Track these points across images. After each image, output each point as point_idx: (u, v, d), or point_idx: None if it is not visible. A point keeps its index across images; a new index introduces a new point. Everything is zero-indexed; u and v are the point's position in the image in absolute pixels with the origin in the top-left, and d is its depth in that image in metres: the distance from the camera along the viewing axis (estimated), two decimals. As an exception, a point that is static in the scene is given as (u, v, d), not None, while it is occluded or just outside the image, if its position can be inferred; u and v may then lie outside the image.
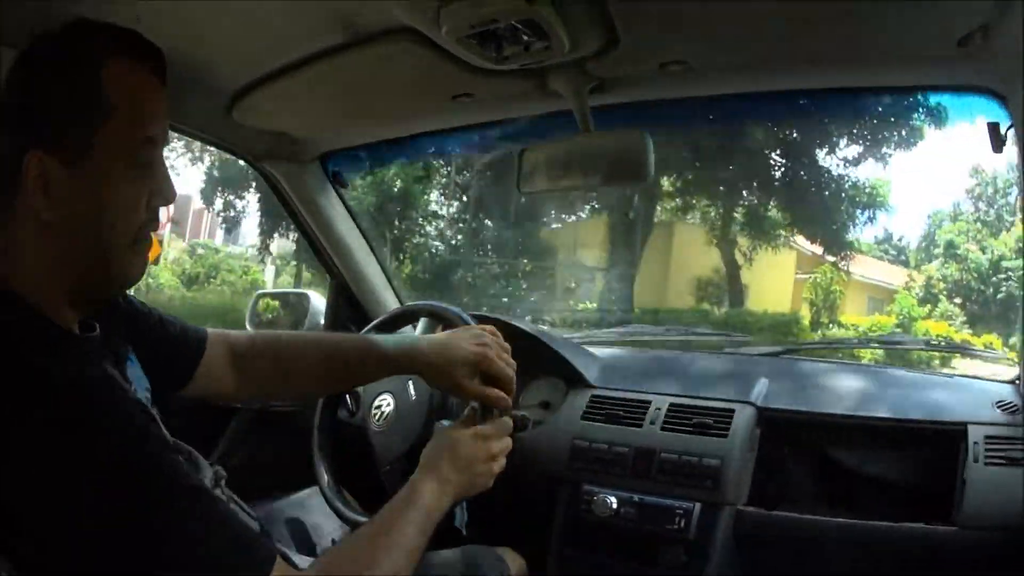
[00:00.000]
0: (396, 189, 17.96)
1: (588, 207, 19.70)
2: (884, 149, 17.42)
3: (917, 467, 1.85)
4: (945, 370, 2.22)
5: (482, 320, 1.70)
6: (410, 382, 1.80)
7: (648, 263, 18.86)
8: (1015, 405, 1.80)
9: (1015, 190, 20.60)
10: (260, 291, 2.78)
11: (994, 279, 19.71)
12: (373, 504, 1.51)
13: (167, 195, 1.09)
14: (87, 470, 0.86)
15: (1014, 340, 2.53)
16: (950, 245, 21.23)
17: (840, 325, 17.97)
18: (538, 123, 1.96)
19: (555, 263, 19.87)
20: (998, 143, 1.60)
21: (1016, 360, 1.93)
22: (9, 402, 0.87)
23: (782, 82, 1.80)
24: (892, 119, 16.19)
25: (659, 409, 1.93)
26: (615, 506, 1.83)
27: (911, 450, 1.85)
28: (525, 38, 1.43)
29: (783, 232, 18.34)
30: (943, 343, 2.59)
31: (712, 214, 18.94)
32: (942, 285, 20.67)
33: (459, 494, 1.30)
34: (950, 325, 18.61)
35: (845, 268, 18.77)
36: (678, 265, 19.52)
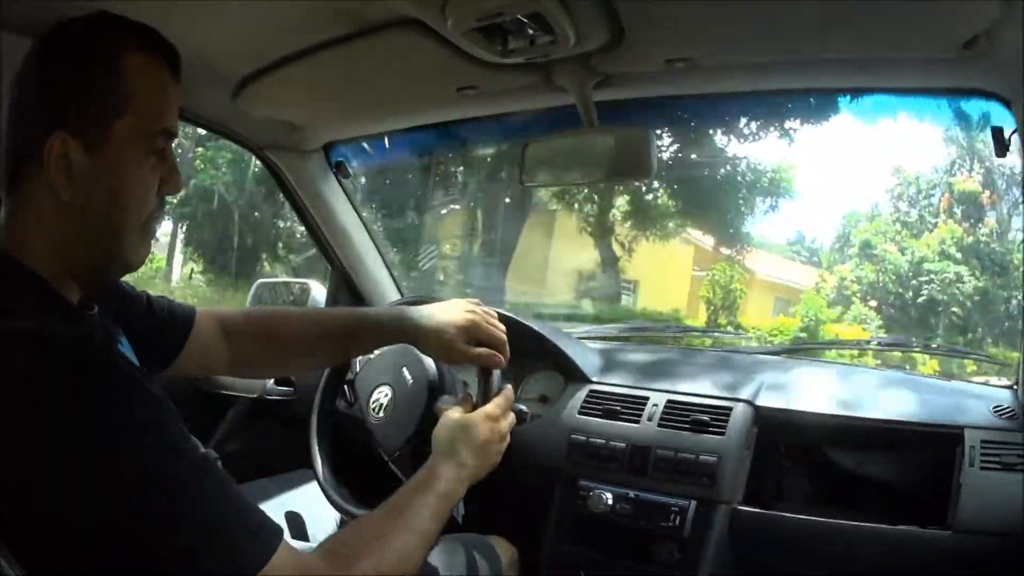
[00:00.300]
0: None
1: (462, 192, 18.05)
2: (787, 125, 15.86)
3: (913, 470, 1.86)
4: (943, 373, 2.22)
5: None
6: (405, 368, 1.80)
7: (525, 255, 17.17)
8: (1012, 410, 1.79)
9: (938, 191, 20.44)
10: (261, 280, 2.78)
11: (914, 282, 19.14)
12: (371, 495, 1.52)
13: (176, 185, 1.13)
14: (99, 433, 0.86)
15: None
16: (866, 245, 20.58)
17: (739, 328, 15.76)
18: (542, 117, 1.96)
19: (425, 252, 17.82)
20: (1002, 148, 1.60)
21: (1014, 365, 1.93)
22: (18, 365, 0.88)
23: (787, 81, 1.81)
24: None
25: (656, 405, 1.92)
26: (611, 502, 1.83)
27: (907, 453, 1.85)
28: (531, 32, 1.44)
29: (673, 222, 17.29)
30: (943, 347, 2.59)
31: (592, 202, 17.15)
32: (856, 287, 20.04)
33: (475, 477, 1.33)
34: (864, 329, 18.00)
35: (741, 263, 18.02)
36: (558, 257, 18.13)
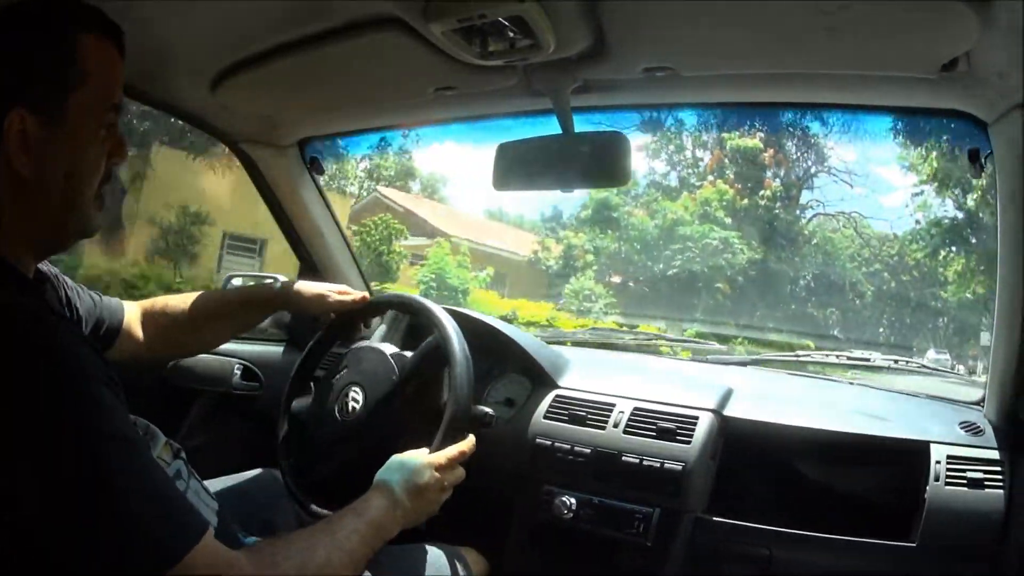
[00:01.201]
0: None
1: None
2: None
3: (879, 484, 1.88)
4: (912, 389, 2.24)
5: (452, 313, 1.74)
6: (376, 369, 1.78)
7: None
8: (979, 427, 1.82)
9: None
10: (230, 274, 2.77)
11: (666, 251, 18.11)
12: (335, 496, 1.51)
13: (124, 155, 1.19)
14: (24, 399, 0.88)
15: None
16: (603, 207, 19.37)
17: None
18: (519, 120, 1.96)
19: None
20: (978, 168, 1.62)
21: (982, 382, 1.95)
22: None
23: (767, 95, 1.82)
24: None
25: (623, 412, 1.92)
26: (575, 507, 1.83)
27: (874, 467, 1.87)
28: (511, 35, 1.44)
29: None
30: (912, 364, 2.60)
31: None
32: (589, 257, 19.31)
33: (408, 519, 1.39)
34: (501, 296, 17.70)
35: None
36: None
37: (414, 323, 1.91)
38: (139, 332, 1.67)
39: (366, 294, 1.85)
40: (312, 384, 1.87)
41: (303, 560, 1.10)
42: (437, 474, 1.45)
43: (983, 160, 1.61)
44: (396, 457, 1.48)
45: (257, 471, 1.90)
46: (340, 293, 1.83)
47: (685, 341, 3.34)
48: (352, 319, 1.89)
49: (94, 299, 1.55)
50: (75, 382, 0.92)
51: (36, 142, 1.04)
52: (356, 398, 1.71)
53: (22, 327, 0.92)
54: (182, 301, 1.77)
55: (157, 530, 0.92)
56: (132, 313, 1.66)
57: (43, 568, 0.89)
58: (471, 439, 1.56)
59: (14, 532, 0.87)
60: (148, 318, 1.70)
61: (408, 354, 1.74)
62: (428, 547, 1.72)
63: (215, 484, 1.69)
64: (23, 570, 0.89)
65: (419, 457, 1.47)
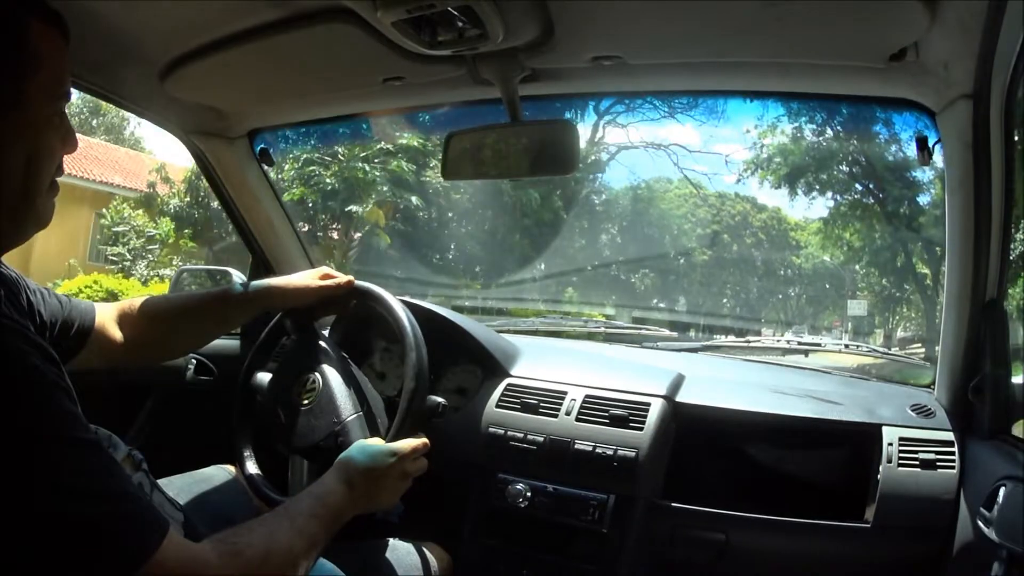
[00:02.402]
0: None
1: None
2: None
3: (832, 466, 1.91)
4: (862, 373, 2.27)
5: (407, 305, 1.75)
6: (326, 365, 1.77)
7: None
8: (930, 409, 1.86)
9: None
10: (183, 267, 2.75)
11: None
12: (292, 488, 1.51)
13: (74, 145, 1.16)
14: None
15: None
16: None
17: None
18: (468, 110, 1.96)
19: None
20: (926, 156, 1.64)
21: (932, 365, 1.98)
22: None
23: (714, 83, 1.84)
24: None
25: (575, 400, 1.93)
26: (529, 495, 1.84)
27: (826, 449, 1.90)
28: (460, 25, 1.44)
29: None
30: (862, 347, 2.65)
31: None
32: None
33: (366, 505, 1.40)
34: None
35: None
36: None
37: (363, 314, 1.91)
38: (116, 333, 1.62)
39: (351, 278, 1.80)
40: (268, 374, 1.85)
41: (267, 548, 1.11)
42: (397, 462, 1.46)
43: (931, 148, 1.64)
44: (359, 442, 1.49)
45: (213, 468, 1.88)
46: (323, 277, 1.78)
47: (637, 328, 3.33)
48: (310, 309, 1.84)
49: (61, 301, 1.49)
50: (29, 389, 0.90)
51: None
52: (315, 386, 1.70)
53: None
54: (162, 301, 1.74)
55: (127, 530, 0.92)
56: (107, 314, 1.62)
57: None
58: (425, 441, 1.56)
59: None
60: (125, 319, 1.65)
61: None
62: (393, 543, 1.73)
63: (172, 483, 1.67)
64: None
65: (381, 443, 1.49)
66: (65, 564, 0.87)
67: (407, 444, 1.50)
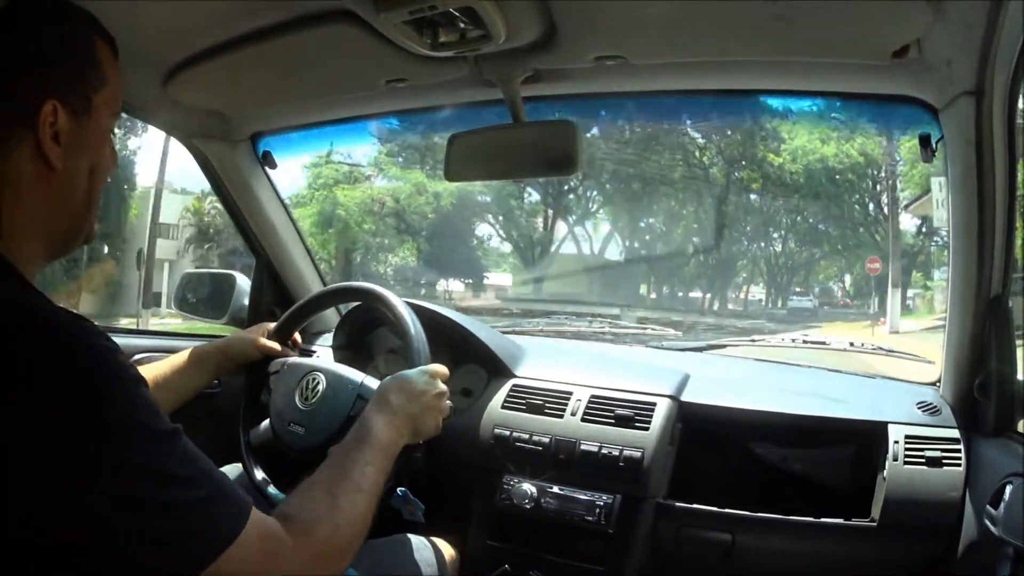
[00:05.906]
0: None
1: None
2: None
3: (838, 464, 1.90)
4: (868, 371, 2.27)
5: (412, 307, 1.74)
6: (329, 366, 1.78)
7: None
8: (935, 406, 1.85)
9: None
10: (187, 271, 2.74)
11: None
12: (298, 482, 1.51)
13: (116, 163, 1.19)
14: (76, 406, 0.86)
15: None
16: None
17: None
18: (471, 111, 1.96)
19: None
20: (929, 153, 1.64)
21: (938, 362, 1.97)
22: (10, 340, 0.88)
23: (718, 82, 1.83)
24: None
25: (580, 400, 1.93)
26: (535, 496, 1.84)
27: (833, 448, 1.90)
28: (462, 26, 1.44)
29: None
30: (867, 346, 2.63)
31: None
32: None
33: (412, 431, 1.40)
34: None
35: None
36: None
37: (366, 317, 1.92)
38: None
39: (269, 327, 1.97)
40: (272, 375, 1.85)
41: (333, 521, 1.10)
42: (432, 378, 1.49)
43: (934, 145, 1.64)
44: (387, 377, 1.50)
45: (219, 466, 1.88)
46: (262, 334, 1.93)
47: (642, 328, 3.33)
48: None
49: None
50: (118, 383, 0.91)
51: (65, 135, 1.03)
52: (318, 385, 1.70)
53: (51, 329, 0.90)
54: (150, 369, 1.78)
55: (220, 510, 0.94)
56: None
57: (105, 562, 0.87)
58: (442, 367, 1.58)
59: (86, 530, 0.85)
60: None
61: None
62: (404, 538, 1.74)
63: None
64: (86, 566, 0.87)
65: (409, 370, 1.51)
66: (164, 548, 0.88)
67: (433, 366, 1.54)
